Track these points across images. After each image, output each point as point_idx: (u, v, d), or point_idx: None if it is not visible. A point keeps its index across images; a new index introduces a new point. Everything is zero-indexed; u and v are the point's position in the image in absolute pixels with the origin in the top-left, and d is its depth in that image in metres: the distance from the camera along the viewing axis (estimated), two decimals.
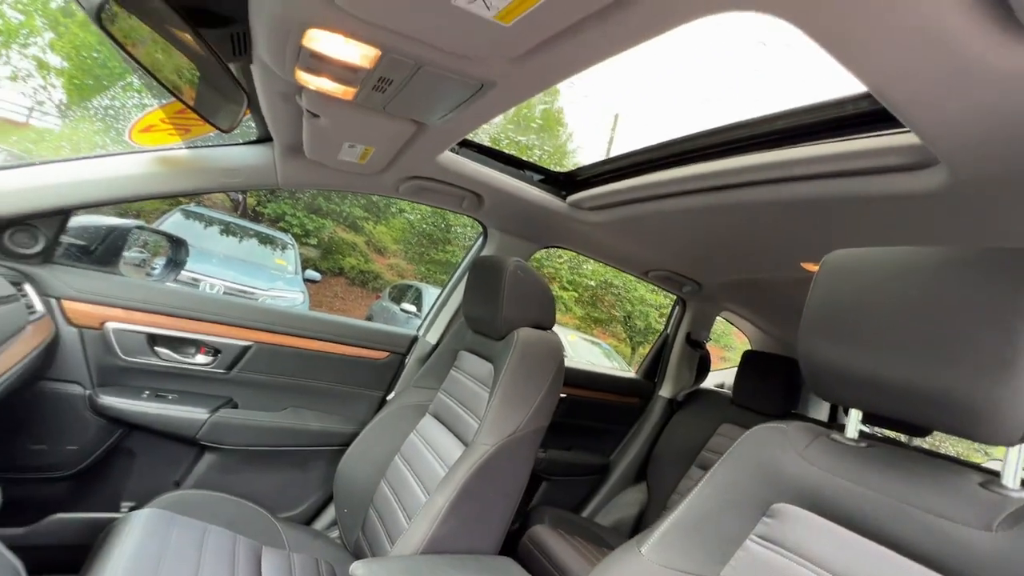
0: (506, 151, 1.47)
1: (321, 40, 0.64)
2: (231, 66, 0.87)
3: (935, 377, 0.54)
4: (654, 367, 2.34)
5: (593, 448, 2.23)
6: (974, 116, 0.57)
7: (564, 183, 1.50)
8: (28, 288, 1.14)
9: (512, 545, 1.76)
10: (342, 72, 0.72)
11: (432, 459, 1.24)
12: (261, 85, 0.92)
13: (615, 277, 12.43)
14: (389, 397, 1.66)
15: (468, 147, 1.38)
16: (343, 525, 1.43)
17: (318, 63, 0.71)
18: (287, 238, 7.21)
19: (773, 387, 1.89)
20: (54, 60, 11.52)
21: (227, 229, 6.45)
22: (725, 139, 1.06)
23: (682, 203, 1.23)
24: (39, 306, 1.15)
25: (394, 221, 12.62)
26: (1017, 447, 0.58)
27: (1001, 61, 0.47)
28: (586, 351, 8.65)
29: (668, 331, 2.32)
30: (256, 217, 9.60)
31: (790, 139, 0.94)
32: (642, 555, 0.74)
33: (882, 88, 0.57)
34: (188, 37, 0.65)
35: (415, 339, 1.75)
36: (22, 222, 1.17)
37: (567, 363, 2.01)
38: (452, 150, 1.33)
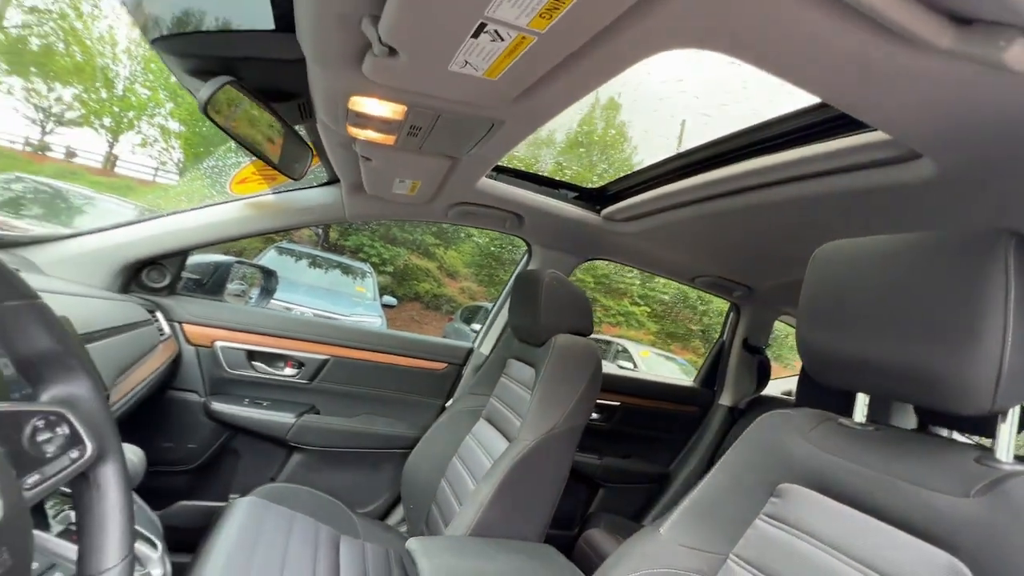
0: (551, 173, 1.59)
1: (362, 103, 0.82)
2: (302, 127, 1.09)
3: (912, 354, 0.58)
4: (712, 375, 2.31)
5: (652, 457, 2.24)
6: (929, 110, 0.62)
7: (597, 198, 1.60)
8: (159, 315, 1.43)
9: (569, 548, 1.82)
10: (381, 124, 0.89)
11: (482, 455, 1.36)
12: (324, 139, 1.13)
13: (690, 289, 12.02)
14: (448, 404, 1.82)
15: (505, 172, 1.53)
16: (409, 520, 1.59)
17: (363, 120, 0.88)
18: (366, 267, 7.79)
19: (838, 392, 1.81)
20: (173, 125, 13.47)
21: (314, 262, 7.11)
22: (742, 143, 1.11)
23: (709, 208, 1.28)
24: (166, 329, 1.43)
25: (463, 246, 13.15)
26: (1008, 422, 0.60)
27: (918, 61, 0.53)
28: (661, 367, 8.40)
29: (724, 338, 2.30)
30: (339, 249, 10.45)
31: (799, 139, 0.98)
32: (661, 534, 0.80)
33: (830, 97, 0.63)
34: (266, 111, 0.85)
35: (471, 351, 1.90)
36: (154, 262, 1.47)
37: (624, 373, 2.06)
38: (490, 177, 1.48)
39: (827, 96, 0.65)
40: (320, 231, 10.47)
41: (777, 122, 1.03)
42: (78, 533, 0.51)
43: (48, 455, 0.45)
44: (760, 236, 1.41)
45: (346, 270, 7.34)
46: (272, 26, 0.71)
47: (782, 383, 2.64)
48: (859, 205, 0.99)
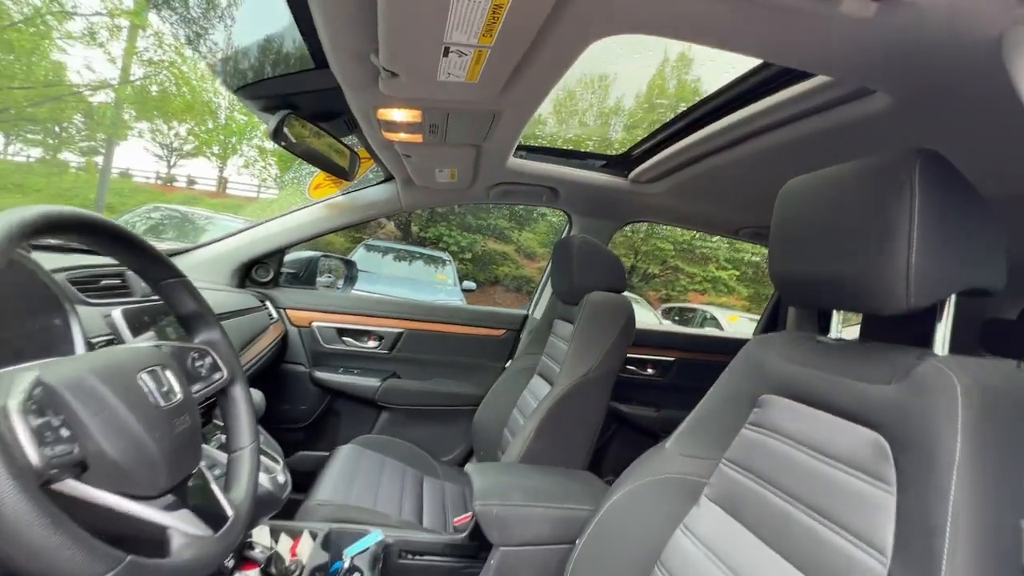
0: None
1: (388, 113, 1.03)
2: (353, 136, 1.33)
3: (846, 267, 0.68)
4: (772, 325, 2.30)
5: None
6: (863, 49, 0.69)
7: (624, 162, 1.69)
8: (267, 303, 1.78)
9: None
10: (407, 127, 1.10)
11: (533, 403, 1.56)
12: (373, 144, 1.36)
13: None
14: (508, 365, 2.03)
15: (535, 151, 1.68)
16: None
17: (392, 125, 1.10)
18: (445, 256, 8.25)
19: (901, 328, 1.76)
20: (268, 144, 14.93)
21: (398, 255, 7.70)
22: (753, 84, 1.11)
23: (729, 156, 1.30)
24: (274, 314, 1.78)
25: (537, 226, 13.30)
26: (943, 321, 0.68)
27: (804, 8, 0.61)
28: (750, 331, 8.04)
29: None
30: (421, 241, 11.09)
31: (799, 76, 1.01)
32: (667, 448, 0.96)
33: (762, 55, 0.72)
34: (319, 130, 1.09)
35: (526, 317, 2.10)
36: (260, 261, 1.82)
37: (678, 328, 2.13)
38: (520, 156, 1.64)
39: (759, 55, 0.74)
40: (396, 220, 11.14)
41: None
42: (224, 429, 0.78)
43: (202, 375, 0.72)
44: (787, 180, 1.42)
45: (428, 260, 7.84)
46: (313, 65, 0.93)
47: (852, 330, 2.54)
48: (850, 138, 1.02)
